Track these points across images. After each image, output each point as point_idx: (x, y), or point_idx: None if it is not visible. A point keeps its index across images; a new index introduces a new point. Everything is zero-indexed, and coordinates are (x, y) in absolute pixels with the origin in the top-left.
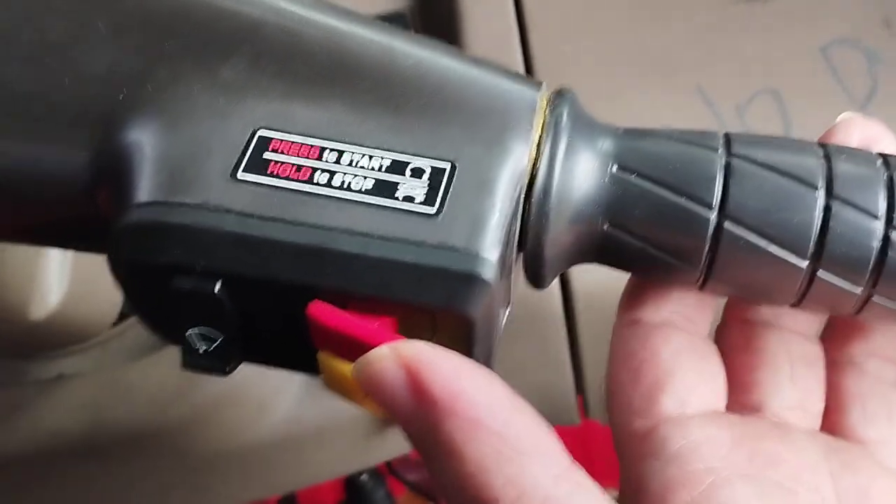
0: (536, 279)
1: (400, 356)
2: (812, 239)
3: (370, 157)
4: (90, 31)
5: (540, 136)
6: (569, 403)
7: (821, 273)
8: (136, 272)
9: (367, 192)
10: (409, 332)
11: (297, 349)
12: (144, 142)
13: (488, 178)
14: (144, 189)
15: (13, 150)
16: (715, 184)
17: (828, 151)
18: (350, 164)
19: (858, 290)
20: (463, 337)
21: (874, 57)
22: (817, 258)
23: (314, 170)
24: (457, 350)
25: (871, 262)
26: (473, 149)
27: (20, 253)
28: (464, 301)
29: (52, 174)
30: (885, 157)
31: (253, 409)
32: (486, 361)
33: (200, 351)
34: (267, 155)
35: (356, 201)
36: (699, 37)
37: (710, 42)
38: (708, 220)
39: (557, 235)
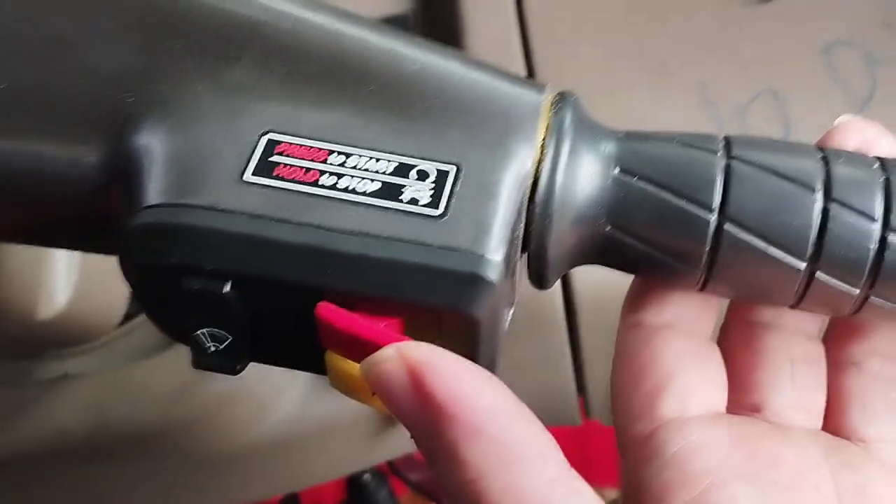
0: (540, 280)
1: (404, 358)
2: (810, 241)
3: (376, 160)
4: (99, 31)
5: (543, 139)
6: (570, 404)
7: (819, 274)
8: (146, 273)
9: (372, 194)
10: (415, 333)
11: (304, 349)
12: (154, 143)
13: (493, 180)
14: (154, 191)
15: (21, 150)
16: (715, 186)
17: (826, 155)
18: (356, 167)
19: (856, 291)
20: (468, 337)
21: (874, 58)
22: (815, 260)
23: (321, 172)
24: (462, 351)
25: (869, 264)
26: (478, 151)
27: (27, 253)
28: (469, 302)
29: (61, 174)
30: (882, 160)
31: (256, 409)
32: (491, 362)
33: (210, 351)
34: (275, 158)
35: (362, 203)
36: (700, 37)
37: (711, 43)
38: (708, 222)
39: (560, 237)
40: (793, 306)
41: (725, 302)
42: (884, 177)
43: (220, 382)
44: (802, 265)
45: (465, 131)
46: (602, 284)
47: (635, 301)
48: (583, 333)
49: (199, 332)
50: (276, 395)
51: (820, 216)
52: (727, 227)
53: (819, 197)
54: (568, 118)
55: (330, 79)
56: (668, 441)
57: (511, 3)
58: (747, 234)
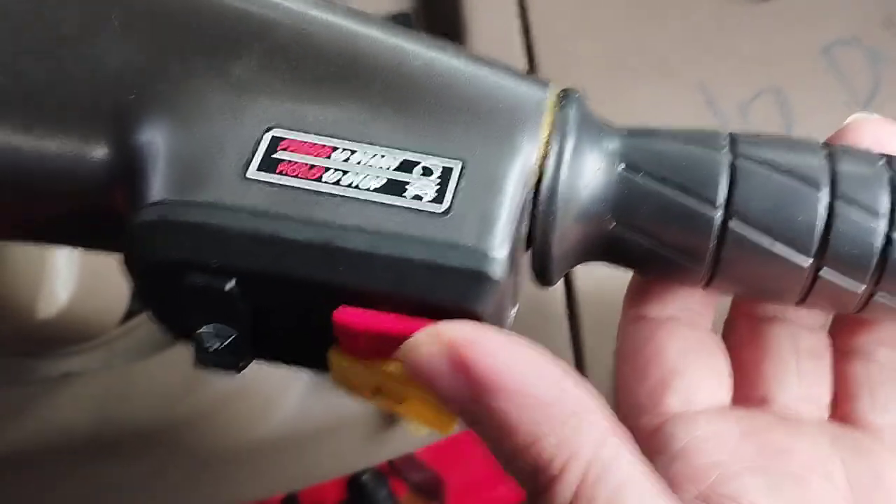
0: (543, 277)
1: (441, 338)
2: (816, 237)
3: (380, 156)
4: (104, 27)
5: (548, 136)
6: None
7: (824, 271)
8: (149, 270)
9: (377, 190)
10: None
11: (307, 346)
12: (158, 140)
13: (497, 176)
14: (158, 187)
15: (26, 147)
16: (720, 183)
17: (831, 151)
18: (360, 164)
19: (861, 288)
20: None
21: (876, 56)
22: (821, 256)
23: (325, 169)
24: None
25: (874, 261)
26: (482, 148)
27: (28, 251)
28: (473, 299)
29: (66, 171)
30: (888, 157)
31: (257, 408)
32: None
33: (212, 349)
34: (279, 154)
35: (366, 200)
36: (701, 36)
37: (713, 41)
38: (713, 218)
39: (565, 234)
40: (798, 303)
41: (725, 296)
42: (889, 173)
43: (221, 382)
44: (808, 262)
45: (470, 127)
46: (604, 282)
47: (637, 294)
48: (584, 331)
49: (201, 329)
50: (276, 394)
51: (825, 212)
52: (732, 223)
53: (824, 193)
54: (572, 115)
55: (334, 75)
56: (676, 435)
57: (513, 2)
58: (752, 231)
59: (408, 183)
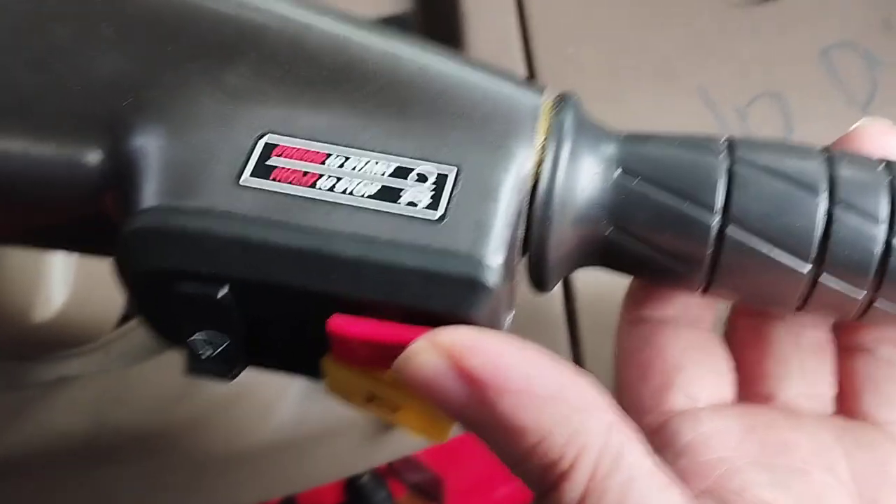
0: (540, 283)
1: (438, 345)
2: (815, 243)
3: (375, 162)
4: (97, 35)
5: (543, 141)
6: None
7: (823, 278)
8: (141, 276)
9: (371, 197)
10: None
11: (300, 354)
12: (151, 147)
13: (492, 182)
14: (151, 194)
15: (20, 153)
16: (718, 188)
17: (830, 156)
18: (354, 170)
19: (861, 294)
20: None
21: (874, 59)
22: (820, 262)
23: (319, 175)
24: None
25: (874, 267)
26: (477, 153)
27: (24, 255)
28: (468, 306)
29: (59, 177)
30: (887, 162)
31: (255, 412)
32: None
33: (204, 356)
34: (272, 161)
35: (361, 207)
36: (700, 40)
37: (712, 45)
38: (710, 224)
39: (561, 239)
40: (797, 310)
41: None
42: (888, 178)
43: (219, 385)
44: (807, 268)
45: (465, 133)
46: (603, 285)
47: (637, 297)
48: (583, 334)
49: (193, 337)
50: (274, 397)
51: (824, 218)
52: (730, 229)
53: (823, 199)
54: (568, 119)
55: (328, 81)
56: (680, 431)
57: (512, 5)
58: (750, 237)
59: (402, 189)
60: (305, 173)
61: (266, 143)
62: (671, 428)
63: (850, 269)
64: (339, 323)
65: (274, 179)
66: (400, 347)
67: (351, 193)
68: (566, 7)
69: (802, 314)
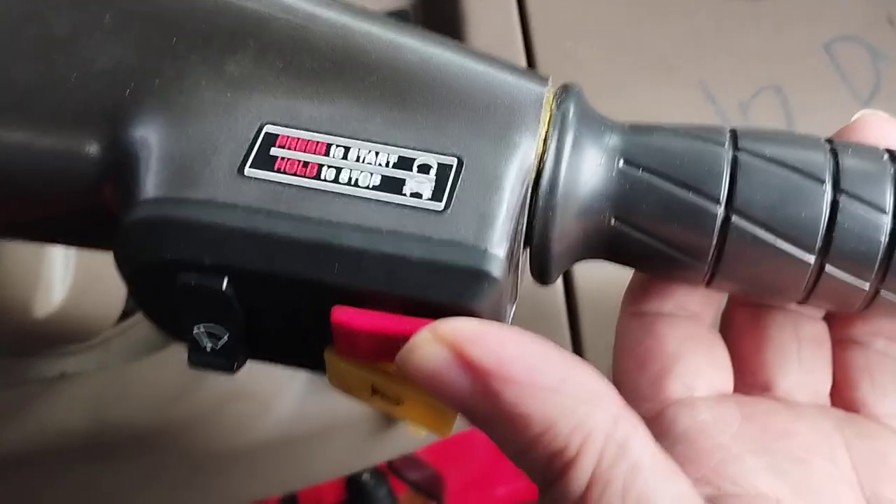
0: (543, 274)
1: (441, 337)
2: (819, 233)
3: (377, 152)
4: (96, 26)
5: (546, 131)
6: None
7: (828, 268)
8: (142, 268)
9: (374, 188)
10: None
11: (303, 347)
12: (151, 137)
13: (495, 173)
14: (151, 185)
15: (20, 144)
16: (722, 178)
17: (834, 146)
18: (357, 160)
19: (866, 285)
20: None
21: (877, 53)
22: (825, 253)
23: (321, 166)
24: None
25: (879, 257)
26: (480, 144)
27: (24, 250)
28: (472, 297)
29: (59, 169)
30: (891, 152)
31: (255, 408)
32: None
33: (207, 349)
34: (274, 151)
35: (363, 197)
36: (702, 33)
37: (713, 38)
38: (715, 214)
39: (564, 230)
40: (801, 301)
41: (725, 295)
42: (893, 168)
43: (219, 381)
44: (811, 258)
45: (468, 123)
46: (604, 280)
47: (638, 291)
48: (584, 328)
49: (195, 329)
50: (275, 394)
51: (829, 208)
52: (734, 219)
53: (828, 189)
54: (571, 110)
55: (330, 70)
56: (677, 419)
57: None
58: (755, 227)
59: (405, 180)
60: (307, 164)
61: (267, 134)
62: (668, 416)
63: (856, 260)
64: (342, 314)
65: (276, 170)
66: (403, 339)
67: (354, 184)
68: (566, 2)
69: (806, 306)
